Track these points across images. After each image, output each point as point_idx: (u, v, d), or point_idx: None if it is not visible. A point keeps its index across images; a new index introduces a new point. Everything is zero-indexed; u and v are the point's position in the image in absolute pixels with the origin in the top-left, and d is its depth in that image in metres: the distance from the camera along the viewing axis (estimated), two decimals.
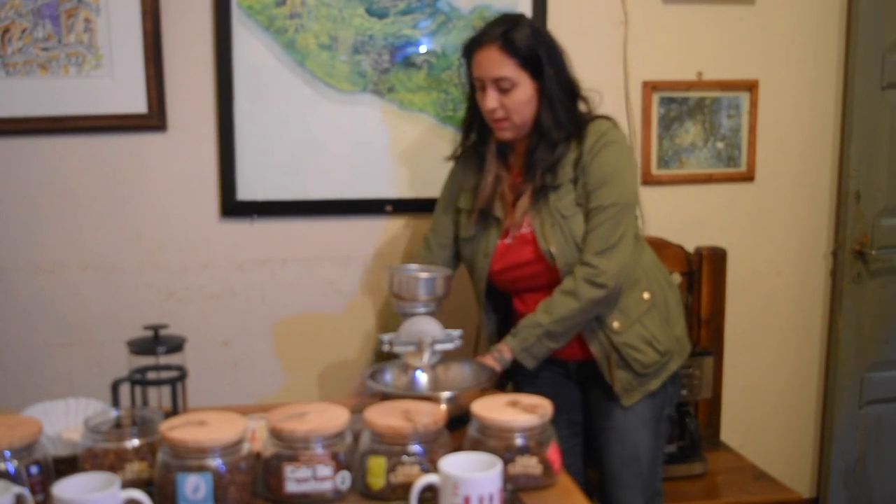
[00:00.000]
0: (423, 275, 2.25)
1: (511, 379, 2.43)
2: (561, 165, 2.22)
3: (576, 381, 2.41)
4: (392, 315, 2.36)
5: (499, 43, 2.17)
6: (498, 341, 2.35)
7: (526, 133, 2.26)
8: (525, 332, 2.20)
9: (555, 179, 2.22)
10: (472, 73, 2.27)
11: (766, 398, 3.31)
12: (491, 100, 2.20)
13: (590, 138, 2.21)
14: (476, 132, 2.37)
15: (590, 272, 2.17)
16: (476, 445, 1.73)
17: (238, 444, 1.61)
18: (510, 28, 2.19)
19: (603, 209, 2.18)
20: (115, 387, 1.93)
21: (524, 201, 2.25)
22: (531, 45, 2.18)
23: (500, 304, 2.44)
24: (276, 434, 1.64)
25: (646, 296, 2.28)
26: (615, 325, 2.24)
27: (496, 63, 2.18)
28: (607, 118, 2.29)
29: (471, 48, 2.25)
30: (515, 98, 2.19)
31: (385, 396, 2.07)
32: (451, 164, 2.52)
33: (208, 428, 1.61)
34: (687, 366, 2.74)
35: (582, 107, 2.30)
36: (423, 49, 2.81)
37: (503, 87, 2.19)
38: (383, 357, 2.38)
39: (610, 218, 2.18)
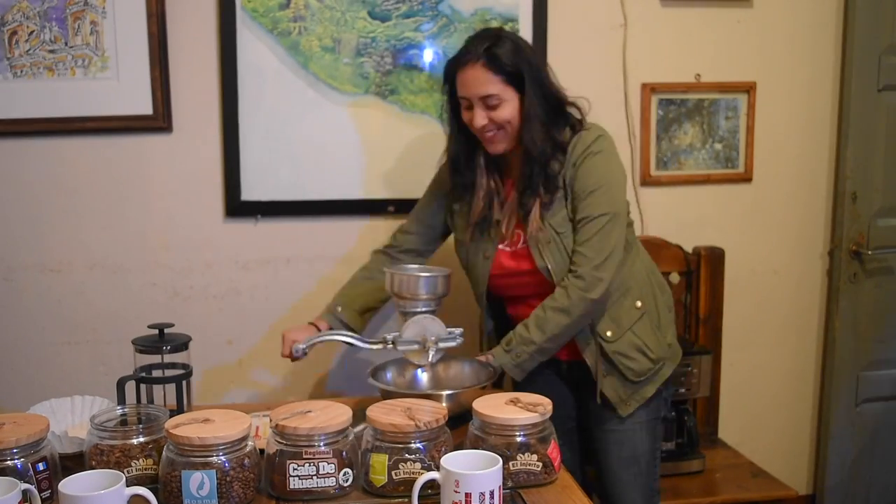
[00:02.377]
0: (424, 274, 2.26)
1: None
2: (555, 182, 2.21)
3: (569, 380, 2.42)
4: (394, 314, 2.38)
5: (483, 60, 2.15)
6: (496, 341, 2.37)
7: (516, 144, 2.24)
8: (518, 348, 2.18)
9: (550, 196, 2.21)
10: (456, 92, 2.24)
11: (764, 396, 3.32)
12: (480, 117, 2.18)
13: (575, 151, 2.20)
14: (463, 145, 2.32)
15: (582, 286, 2.15)
16: (477, 443, 1.74)
17: (242, 441, 1.63)
18: (493, 44, 2.16)
19: (591, 220, 2.17)
20: (120, 385, 1.95)
21: (535, 213, 2.22)
22: (514, 60, 2.16)
23: (495, 307, 2.45)
24: (279, 431, 1.65)
25: (638, 304, 2.27)
26: (608, 333, 2.24)
27: (482, 82, 2.16)
28: (595, 128, 2.26)
29: (454, 68, 2.22)
30: (503, 113, 2.18)
31: (387, 395, 2.09)
32: None
33: (213, 425, 1.63)
34: (685, 364, 2.77)
35: (574, 113, 2.28)
36: (425, 51, 2.83)
37: (491, 104, 2.17)
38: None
39: (600, 229, 2.17)
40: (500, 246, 2.31)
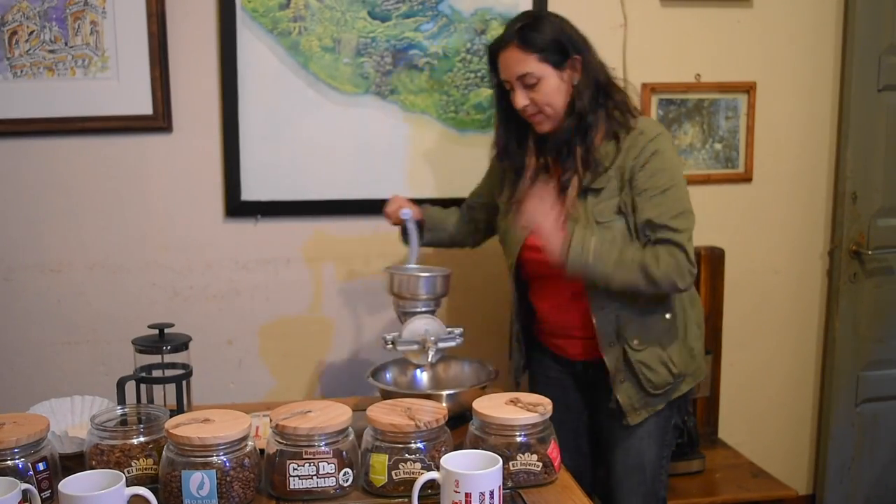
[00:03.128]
0: (424, 274, 2.27)
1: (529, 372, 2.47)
2: (600, 165, 2.16)
3: (583, 381, 2.37)
4: (394, 314, 2.38)
5: (516, 41, 2.15)
6: (518, 331, 2.39)
7: (563, 123, 2.20)
8: (587, 251, 2.09)
9: (593, 179, 2.17)
10: (500, 77, 2.24)
11: (764, 396, 3.32)
12: (521, 98, 2.18)
13: (635, 144, 2.15)
14: (513, 131, 2.31)
15: (678, 254, 2.11)
16: (477, 443, 1.75)
17: (242, 441, 1.64)
18: (525, 24, 2.17)
19: (664, 215, 2.14)
20: (120, 385, 1.95)
21: (572, 193, 2.18)
22: (550, 37, 2.15)
23: (520, 289, 2.41)
24: (279, 431, 1.66)
25: (668, 315, 2.23)
26: (635, 342, 2.19)
27: (517, 61, 2.16)
28: (654, 122, 2.23)
29: (493, 53, 2.23)
30: (543, 91, 2.16)
31: (387, 395, 2.09)
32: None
33: (213, 425, 1.63)
34: None
35: (618, 95, 2.22)
36: (425, 51, 2.83)
37: (529, 83, 2.16)
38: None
39: (679, 224, 2.15)
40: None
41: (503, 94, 2.27)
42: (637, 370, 2.20)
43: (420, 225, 2.48)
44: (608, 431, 2.34)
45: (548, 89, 2.17)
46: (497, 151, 2.37)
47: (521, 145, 2.31)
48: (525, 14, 2.25)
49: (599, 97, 2.19)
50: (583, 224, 2.14)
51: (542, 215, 2.12)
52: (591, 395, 2.37)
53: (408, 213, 2.43)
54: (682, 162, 2.21)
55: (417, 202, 2.54)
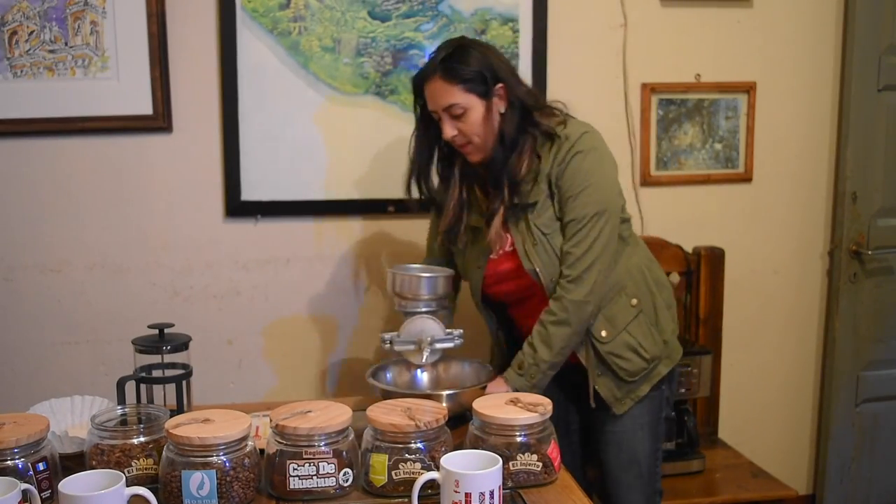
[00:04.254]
0: (425, 274, 2.26)
1: None
2: (531, 181, 2.18)
3: (566, 381, 2.36)
4: (394, 314, 2.38)
5: (439, 72, 2.15)
6: (502, 338, 2.39)
7: (493, 152, 2.20)
8: (531, 370, 2.15)
9: (526, 196, 2.18)
10: (427, 107, 2.23)
11: (764, 396, 3.33)
12: (448, 128, 2.17)
13: (561, 149, 2.16)
14: (441, 158, 2.33)
15: (575, 292, 2.13)
16: (477, 443, 1.75)
17: (242, 441, 1.64)
18: (449, 55, 2.16)
19: (579, 221, 2.14)
20: (120, 385, 1.95)
21: (496, 222, 2.20)
22: (473, 67, 2.14)
23: (497, 308, 2.43)
24: (279, 431, 1.66)
25: (633, 302, 2.24)
26: (603, 333, 2.21)
27: (442, 93, 2.15)
28: (579, 124, 2.21)
29: (419, 85, 2.22)
30: (470, 121, 2.16)
31: (387, 394, 2.09)
32: None
33: (213, 425, 1.64)
34: (685, 364, 2.77)
35: (548, 119, 2.22)
36: (425, 51, 2.83)
37: (455, 114, 2.15)
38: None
39: (588, 231, 2.13)
40: (492, 256, 2.27)
41: (425, 124, 2.26)
42: (609, 362, 2.22)
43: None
44: (599, 429, 2.35)
45: (475, 119, 2.16)
46: (414, 180, 2.33)
47: (449, 169, 2.32)
48: (448, 43, 2.23)
49: (527, 124, 2.18)
50: (514, 366, 2.18)
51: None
52: (577, 394, 2.37)
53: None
54: (613, 159, 2.22)
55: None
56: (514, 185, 2.18)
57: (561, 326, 2.14)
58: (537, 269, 2.18)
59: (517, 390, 2.12)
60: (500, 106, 2.17)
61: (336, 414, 1.71)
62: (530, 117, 2.19)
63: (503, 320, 2.44)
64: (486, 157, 2.21)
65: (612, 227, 2.18)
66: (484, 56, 2.17)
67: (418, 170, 2.31)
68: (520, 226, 2.20)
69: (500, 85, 2.16)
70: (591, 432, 2.40)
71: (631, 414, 2.29)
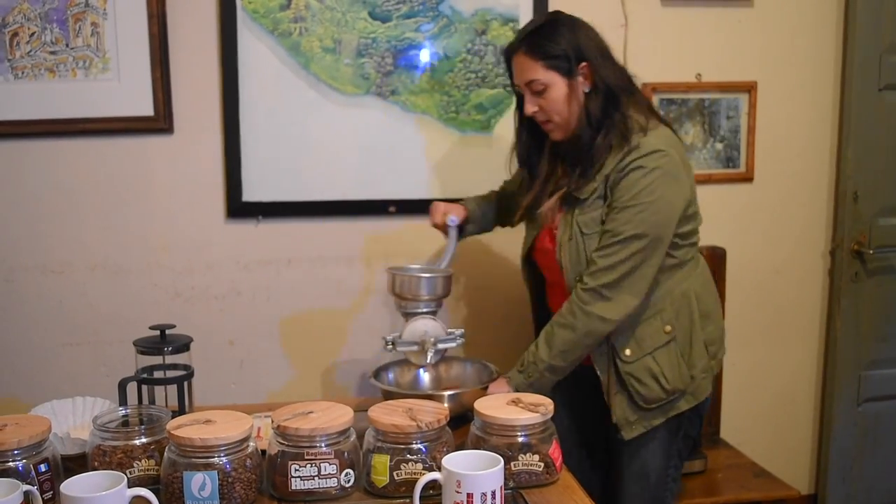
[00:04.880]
0: (425, 275, 2.27)
1: None
2: (591, 176, 2.12)
3: (589, 387, 2.26)
4: (396, 315, 2.38)
5: (523, 48, 2.13)
6: (538, 312, 2.39)
7: (576, 132, 2.15)
8: (529, 368, 2.11)
9: (580, 189, 2.12)
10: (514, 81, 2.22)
11: (765, 396, 3.32)
12: (529, 104, 2.16)
13: (628, 156, 2.07)
14: (531, 135, 2.28)
15: (584, 301, 2.08)
16: (478, 443, 1.75)
17: (244, 442, 1.64)
18: (534, 31, 2.14)
19: (614, 235, 2.06)
20: (122, 386, 1.95)
21: (553, 199, 2.18)
22: (558, 44, 2.09)
23: (538, 280, 2.39)
24: (281, 432, 1.66)
25: (667, 328, 2.14)
26: (627, 352, 2.13)
27: (524, 68, 2.13)
28: (662, 138, 2.10)
29: (507, 59, 2.21)
30: (551, 98, 2.12)
31: (389, 395, 2.09)
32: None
33: (214, 426, 1.64)
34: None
35: (632, 109, 2.14)
36: (425, 52, 2.84)
37: (536, 90, 2.13)
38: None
39: (620, 248, 2.05)
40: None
41: (521, 98, 2.24)
42: (627, 383, 2.14)
43: (461, 227, 2.46)
44: (611, 439, 2.26)
45: (555, 97, 2.12)
46: (517, 154, 2.34)
47: (539, 150, 2.28)
48: (538, 18, 2.22)
49: (613, 107, 2.12)
50: (516, 369, 2.15)
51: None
52: (597, 401, 2.27)
53: (455, 220, 2.42)
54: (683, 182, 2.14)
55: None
56: (587, 170, 2.13)
57: (565, 329, 2.10)
58: (562, 264, 2.15)
59: (517, 388, 2.11)
60: (584, 85, 2.12)
61: (337, 415, 1.71)
62: (616, 101, 2.12)
63: (541, 296, 2.41)
64: (567, 136, 2.17)
65: (649, 253, 2.07)
66: (572, 33, 2.12)
67: (520, 143, 2.31)
68: (567, 215, 2.16)
69: (584, 63, 2.11)
70: (607, 441, 2.31)
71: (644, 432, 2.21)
